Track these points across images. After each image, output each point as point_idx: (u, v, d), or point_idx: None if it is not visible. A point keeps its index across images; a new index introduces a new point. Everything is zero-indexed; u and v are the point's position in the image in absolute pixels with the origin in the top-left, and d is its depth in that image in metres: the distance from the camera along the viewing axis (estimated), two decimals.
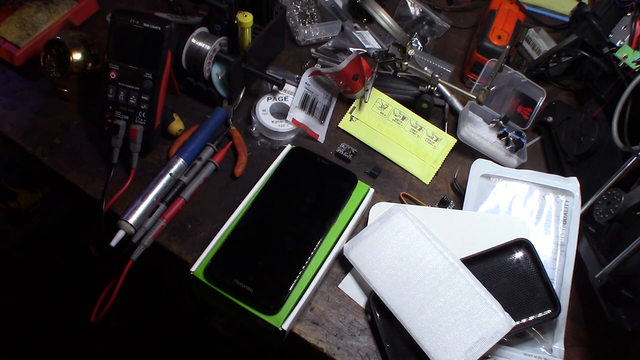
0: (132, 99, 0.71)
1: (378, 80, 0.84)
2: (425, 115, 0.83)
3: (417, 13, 0.96)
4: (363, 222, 0.71)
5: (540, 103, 0.84)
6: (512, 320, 0.60)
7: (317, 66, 0.85)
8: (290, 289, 0.60)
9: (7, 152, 0.81)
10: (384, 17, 0.75)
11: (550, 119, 0.84)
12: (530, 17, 0.99)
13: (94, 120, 0.78)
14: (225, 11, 0.75)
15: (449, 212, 0.72)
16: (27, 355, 1.26)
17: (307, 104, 0.81)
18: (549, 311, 0.63)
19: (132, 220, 0.67)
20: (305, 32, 0.91)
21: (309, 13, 0.95)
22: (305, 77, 0.83)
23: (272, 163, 0.72)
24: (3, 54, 0.81)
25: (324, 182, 0.69)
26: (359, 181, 0.71)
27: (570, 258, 0.68)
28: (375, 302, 0.64)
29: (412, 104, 0.83)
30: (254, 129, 0.78)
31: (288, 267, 0.62)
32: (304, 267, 0.62)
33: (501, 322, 0.59)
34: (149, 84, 0.70)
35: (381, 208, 0.71)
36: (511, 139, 0.79)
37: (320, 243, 0.64)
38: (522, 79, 0.85)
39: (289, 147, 0.73)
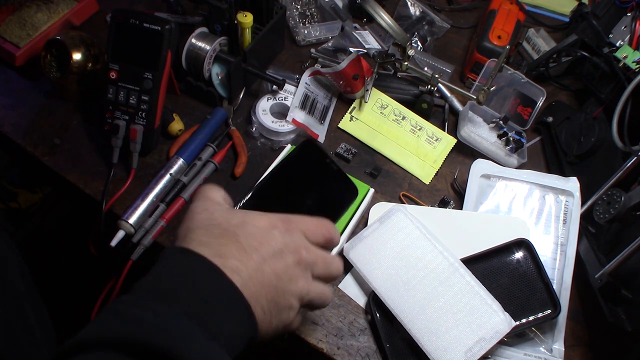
0: (132, 99, 0.71)
1: (378, 80, 0.84)
2: (425, 115, 0.83)
3: (417, 13, 0.96)
4: (363, 222, 0.71)
5: (540, 103, 0.83)
6: (512, 320, 0.60)
7: (317, 66, 0.85)
8: None
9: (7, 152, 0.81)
10: (384, 17, 0.75)
11: (550, 119, 0.84)
12: (530, 17, 0.99)
13: (94, 120, 0.78)
14: (225, 11, 0.75)
15: (449, 212, 0.72)
16: None
17: (307, 104, 0.81)
18: (549, 311, 0.63)
19: (132, 220, 0.67)
20: (305, 32, 0.91)
21: (309, 13, 0.95)
22: (305, 77, 0.83)
23: (272, 163, 0.72)
24: (3, 54, 0.81)
25: (325, 186, 0.68)
26: (358, 181, 0.70)
27: (570, 258, 0.68)
28: (375, 302, 0.64)
29: (412, 104, 0.83)
30: (254, 129, 0.78)
31: None
32: None
33: (501, 322, 0.59)
34: (149, 84, 0.70)
35: (381, 208, 0.71)
36: (511, 139, 0.79)
37: None
38: (522, 79, 0.85)
39: (289, 146, 0.73)
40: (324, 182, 0.66)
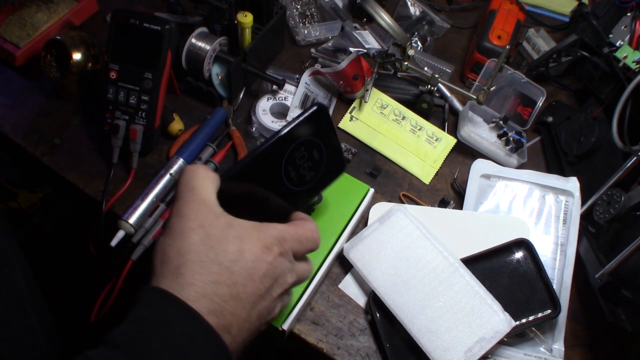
0: (132, 99, 0.71)
1: (378, 80, 0.84)
2: (425, 115, 0.83)
3: (417, 13, 0.96)
4: (363, 222, 0.71)
5: (540, 103, 0.84)
6: (512, 320, 0.60)
7: (317, 66, 0.85)
8: None
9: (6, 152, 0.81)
10: (384, 17, 0.75)
11: (550, 119, 0.84)
12: (530, 17, 0.99)
13: (94, 120, 0.78)
14: (225, 11, 0.75)
15: (449, 212, 0.72)
16: None
17: (307, 103, 0.81)
18: (549, 311, 0.63)
19: (132, 220, 0.67)
20: (305, 32, 0.91)
21: (309, 13, 0.95)
22: (305, 77, 0.83)
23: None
24: (3, 54, 0.81)
25: (319, 165, 0.58)
26: (358, 181, 0.70)
27: (570, 258, 0.68)
28: (375, 302, 0.64)
29: (412, 104, 0.83)
30: (254, 129, 0.78)
31: None
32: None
33: (501, 322, 0.59)
34: (149, 84, 0.70)
35: (381, 208, 0.71)
36: (511, 139, 0.79)
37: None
38: (522, 79, 0.85)
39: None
40: (320, 153, 0.58)
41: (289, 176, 0.55)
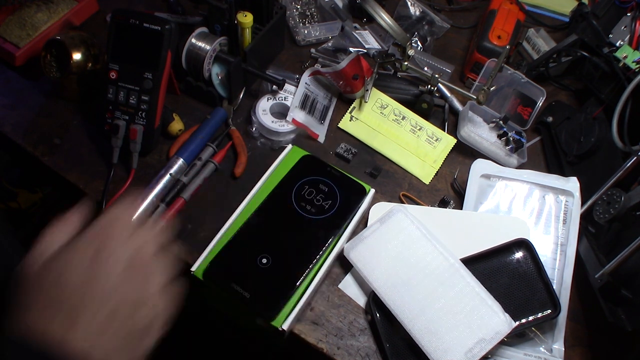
0: (132, 99, 0.71)
1: (378, 80, 0.84)
2: (425, 115, 0.83)
3: (417, 13, 0.96)
4: (363, 222, 0.71)
5: (540, 103, 0.83)
6: (512, 321, 0.60)
7: (317, 66, 0.85)
8: (287, 299, 0.60)
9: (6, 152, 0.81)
10: (384, 17, 0.75)
11: (550, 119, 0.84)
12: (530, 17, 0.99)
13: (94, 120, 0.78)
14: (225, 11, 0.75)
15: (449, 212, 0.72)
16: None
17: (307, 104, 0.81)
18: (549, 311, 0.63)
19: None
20: (305, 32, 0.91)
21: (309, 13, 0.94)
22: (305, 77, 0.83)
23: (272, 163, 0.72)
24: (3, 54, 0.81)
25: (333, 193, 0.69)
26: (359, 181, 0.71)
27: (570, 258, 0.68)
28: (375, 302, 0.64)
29: (412, 104, 0.83)
30: (254, 129, 0.78)
31: (287, 277, 0.62)
32: (302, 278, 0.62)
33: (501, 323, 0.59)
34: (149, 84, 0.70)
35: (381, 208, 0.71)
36: (511, 139, 0.79)
37: (321, 256, 0.64)
38: (522, 79, 0.85)
39: (289, 146, 0.73)
40: (328, 189, 0.69)
41: (305, 209, 0.67)
